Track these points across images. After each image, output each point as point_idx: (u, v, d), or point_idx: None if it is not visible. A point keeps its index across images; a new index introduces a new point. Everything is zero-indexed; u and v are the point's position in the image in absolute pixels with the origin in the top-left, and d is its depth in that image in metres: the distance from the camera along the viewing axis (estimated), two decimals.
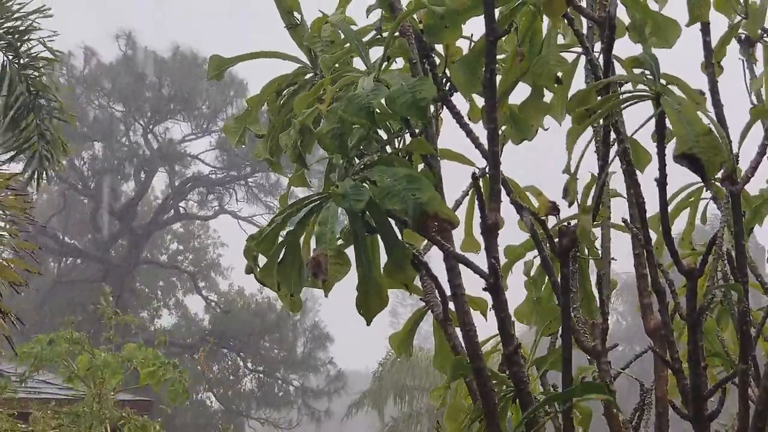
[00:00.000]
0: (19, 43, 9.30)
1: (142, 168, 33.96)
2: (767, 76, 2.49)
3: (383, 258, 1.80)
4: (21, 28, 9.31)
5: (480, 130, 2.02)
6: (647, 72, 1.84)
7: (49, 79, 9.53)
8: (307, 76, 2.18)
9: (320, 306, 35.38)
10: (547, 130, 2.22)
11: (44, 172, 9.49)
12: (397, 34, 2.02)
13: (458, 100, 2.14)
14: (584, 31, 2.22)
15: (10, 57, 9.31)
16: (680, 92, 1.81)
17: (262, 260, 1.84)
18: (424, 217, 1.67)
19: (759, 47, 2.51)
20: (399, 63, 2.17)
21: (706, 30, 2.30)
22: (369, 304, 1.77)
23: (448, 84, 2.14)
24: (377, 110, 1.76)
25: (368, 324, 1.80)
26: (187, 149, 34.67)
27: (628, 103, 1.86)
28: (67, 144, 9.95)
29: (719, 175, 2.04)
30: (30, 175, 9.35)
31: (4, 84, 9.18)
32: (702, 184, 2.67)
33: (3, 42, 9.27)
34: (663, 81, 1.79)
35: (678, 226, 2.73)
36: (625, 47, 2.04)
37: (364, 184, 1.72)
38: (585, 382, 2.00)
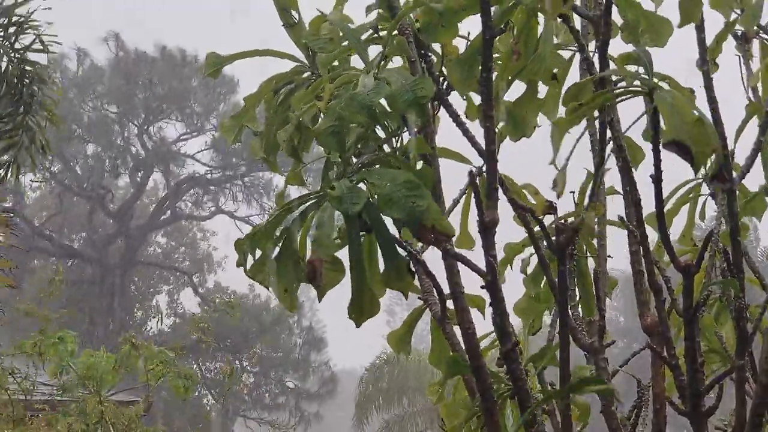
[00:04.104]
0: (14, 37, 9.30)
1: (138, 169, 33.93)
2: (764, 72, 2.50)
3: (381, 254, 1.80)
4: (17, 19, 9.32)
5: (476, 128, 2.03)
6: (640, 69, 1.85)
7: (43, 71, 9.53)
8: (305, 75, 2.18)
9: (317, 306, 35.42)
10: (539, 127, 2.23)
11: (18, 168, 9.43)
12: (395, 32, 2.02)
13: (454, 98, 2.15)
14: (578, 29, 2.22)
15: (4, 43, 9.32)
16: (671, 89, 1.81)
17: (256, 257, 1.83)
18: (422, 228, 1.67)
19: (755, 44, 2.52)
20: (395, 61, 2.17)
21: (700, 27, 2.30)
22: (361, 310, 1.77)
23: (445, 83, 2.14)
24: (377, 108, 1.76)
25: (357, 326, 1.81)
26: (182, 149, 34.67)
27: (621, 98, 1.87)
28: (49, 143, 9.91)
29: (709, 165, 2.04)
30: (7, 167, 9.30)
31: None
32: (700, 180, 2.68)
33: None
34: (655, 79, 1.80)
35: (678, 223, 2.74)
36: (619, 47, 2.05)
37: (361, 184, 1.72)
38: (583, 377, 2.00)
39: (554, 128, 1.83)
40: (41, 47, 9.44)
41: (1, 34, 9.29)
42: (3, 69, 9.25)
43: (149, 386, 10.00)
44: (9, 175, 9.40)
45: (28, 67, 9.38)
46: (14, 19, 9.30)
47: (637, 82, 1.84)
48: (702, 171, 2.66)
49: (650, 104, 1.79)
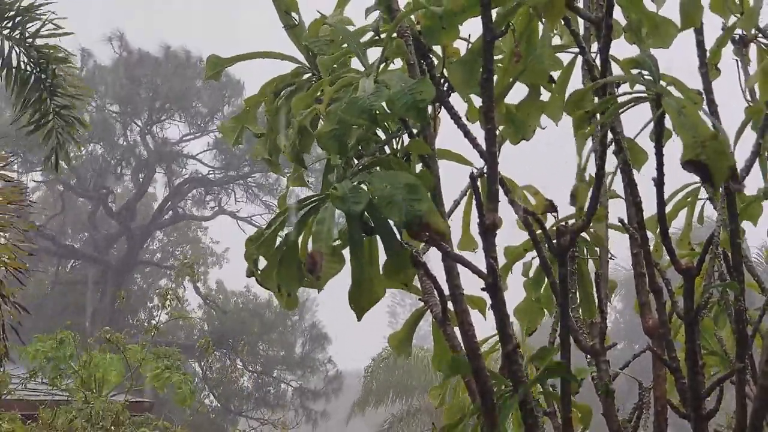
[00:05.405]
0: (22, 26, 9.33)
1: (140, 169, 33.96)
2: (761, 75, 2.50)
3: (381, 257, 1.81)
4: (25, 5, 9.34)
5: (478, 130, 2.03)
6: (644, 73, 1.84)
7: (57, 50, 9.53)
8: (305, 77, 2.18)
9: (317, 307, 35.43)
10: (545, 129, 2.23)
11: (62, 153, 9.49)
12: (395, 35, 2.02)
13: (455, 100, 2.15)
14: (581, 31, 2.22)
15: (17, 36, 9.34)
16: (678, 93, 1.81)
17: (261, 262, 1.84)
18: (417, 227, 1.68)
19: (752, 47, 2.52)
20: (396, 63, 2.18)
21: (699, 30, 2.30)
22: (361, 299, 1.78)
23: (446, 84, 2.14)
24: (377, 111, 1.76)
25: (359, 319, 1.81)
26: (185, 149, 34.72)
27: (628, 106, 1.86)
28: (85, 121, 9.96)
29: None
30: (49, 155, 9.38)
31: (12, 62, 9.21)
32: (699, 184, 2.68)
33: (8, 22, 9.32)
34: (662, 82, 1.79)
35: (675, 227, 2.74)
36: (621, 48, 2.05)
37: (362, 185, 1.73)
38: (548, 365, 1.99)
39: (577, 142, 1.83)
40: (52, 31, 9.45)
41: (10, 25, 9.32)
42: (16, 62, 9.28)
43: (133, 384, 10.04)
44: (59, 159, 9.47)
45: (43, 50, 9.39)
46: (21, 6, 9.33)
47: (642, 87, 1.83)
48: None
49: (657, 109, 1.78)
